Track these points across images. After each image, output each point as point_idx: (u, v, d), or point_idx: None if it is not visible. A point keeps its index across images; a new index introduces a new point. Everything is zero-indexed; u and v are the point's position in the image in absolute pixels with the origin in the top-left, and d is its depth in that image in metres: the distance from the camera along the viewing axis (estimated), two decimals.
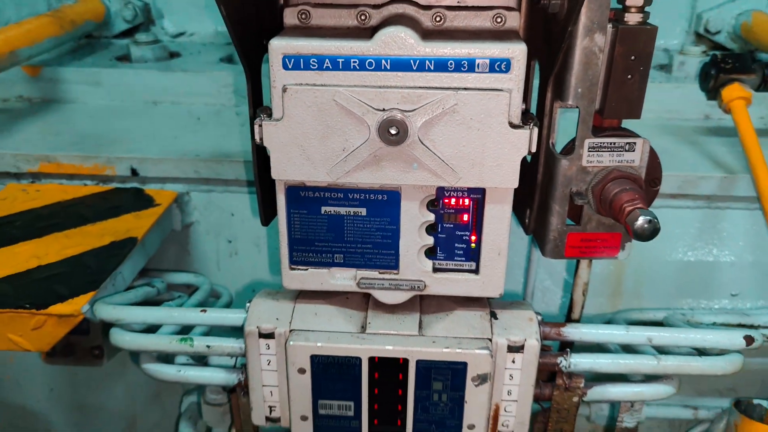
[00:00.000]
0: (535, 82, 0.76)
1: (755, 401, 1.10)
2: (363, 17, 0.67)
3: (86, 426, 1.36)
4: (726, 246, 1.16)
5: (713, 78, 1.11)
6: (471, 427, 0.73)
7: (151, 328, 0.88)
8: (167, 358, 0.87)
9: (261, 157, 0.71)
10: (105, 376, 1.31)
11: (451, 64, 0.60)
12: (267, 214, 0.76)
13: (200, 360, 0.87)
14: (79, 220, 1.05)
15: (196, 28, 1.69)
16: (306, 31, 0.66)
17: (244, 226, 1.20)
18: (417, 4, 0.67)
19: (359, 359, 0.70)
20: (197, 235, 1.21)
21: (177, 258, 1.21)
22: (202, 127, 1.31)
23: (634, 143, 0.66)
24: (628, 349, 0.86)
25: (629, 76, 0.65)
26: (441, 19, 0.66)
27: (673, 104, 1.36)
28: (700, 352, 0.82)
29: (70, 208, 1.09)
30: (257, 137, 0.64)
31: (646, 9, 0.64)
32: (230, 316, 0.79)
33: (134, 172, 1.16)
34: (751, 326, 1.02)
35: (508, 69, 0.60)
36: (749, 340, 0.76)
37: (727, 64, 1.10)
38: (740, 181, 1.10)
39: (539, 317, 0.74)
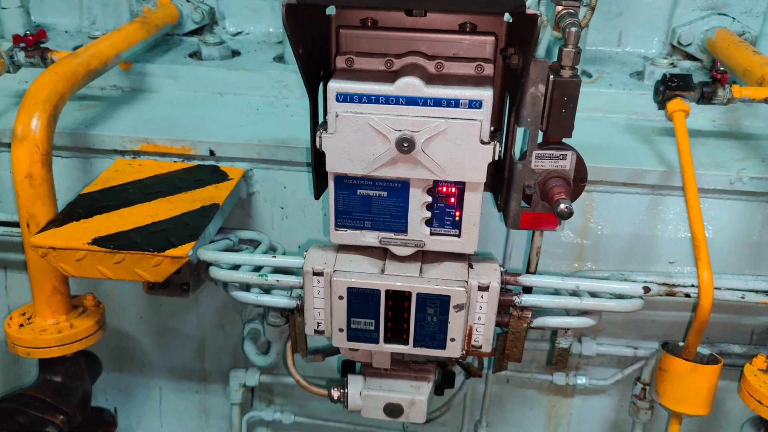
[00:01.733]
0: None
1: (680, 343, 1.45)
2: (389, 64, 1.01)
3: (166, 346, 1.75)
4: (666, 225, 1.48)
5: (661, 93, 1.42)
6: (453, 339, 1.09)
7: (233, 269, 1.25)
8: (246, 288, 1.24)
9: (316, 154, 1.06)
10: (182, 307, 1.69)
11: (444, 102, 0.95)
12: (318, 191, 1.12)
13: (267, 291, 1.24)
14: (175, 189, 1.41)
15: (252, 28, 2.03)
16: (351, 73, 1.00)
17: (293, 196, 1.55)
18: (425, 55, 1.01)
19: (379, 291, 1.06)
20: (257, 202, 1.57)
21: (242, 219, 1.57)
22: (260, 117, 1.66)
23: (566, 154, 1.00)
24: (574, 294, 1.20)
25: (563, 110, 0.98)
26: (441, 67, 1.00)
27: (640, 108, 1.67)
28: (619, 297, 1.16)
29: (166, 179, 1.45)
30: (317, 144, 0.99)
31: (576, 67, 0.97)
32: (292, 260, 1.16)
33: (212, 153, 1.52)
34: (672, 285, 1.35)
35: (480, 106, 0.94)
36: (646, 289, 1.11)
37: (672, 83, 1.41)
38: (677, 174, 1.42)
39: (502, 269, 1.09)
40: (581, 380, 1.54)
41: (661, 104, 1.44)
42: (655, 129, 1.62)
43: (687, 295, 1.35)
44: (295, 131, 1.54)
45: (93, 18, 2.05)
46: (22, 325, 1.39)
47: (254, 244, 1.47)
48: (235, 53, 1.90)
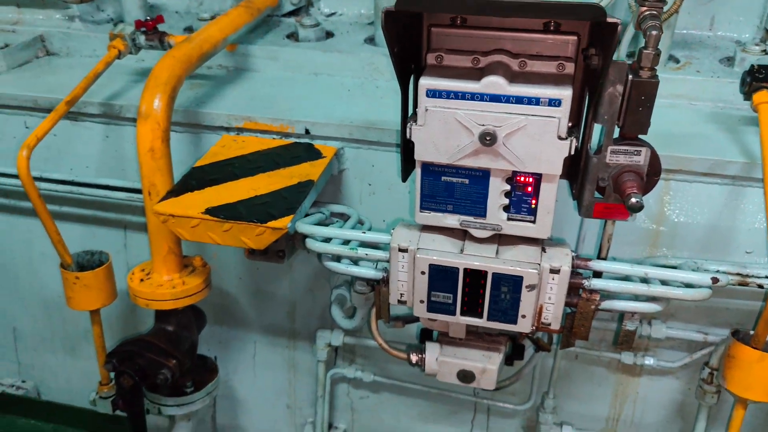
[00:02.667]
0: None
1: (750, 332, 1.48)
2: (475, 61, 1.09)
3: (261, 306, 1.93)
4: (745, 216, 1.50)
5: (748, 84, 1.42)
6: (524, 316, 1.18)
7: (325, 240, 1.39)
8: (337, 258, 1.38)
9: (405, 141, 1.16)
10: (276, 272, 1.86)
11: (525, 99, 1.02)
12: (405, 174, 1.23)
13: (355, 262, 1.37)
14: (274, 165, 1.56)
15: (344, 9, 2.14)
16: (440, 69, 1.09)
17: (380, 174, 1.67)
18: (509, 53, 1.09)
19: (458, 269, 1.16)
20: (347, 178, 1.69)
21: (333, 194, 1.70)
22: (351, 97, 1.77)
23: (640, 150, 1.06)
24: (644, 280, 1.26)
25: (640, 109, 1.04)
26: (524, 65, 1.08)
27: (727, 96, 1.66)
28: (688, 286, 1.21)
29: (266, 155, 1.60)
30: (407, 134, 1.09)
31: (655, 68, 1.02)
32: (379, 236, 1.28)
33: (307, 131, 1.65)
34: (746, 275, 1.38)
35: (559, 104, 1.02)
36: (715, 280, 1.16)
37: (759, 74, 1.41)
38: (759, 166, 1.43)
39: (574, 253, 1.17)
40: (649, 361, 1.59)
41: (747, 95, 1.45)
42: (741, 118, 1.62)
43: (760, 286, 1.38)
44: (384, 113, 1.65)
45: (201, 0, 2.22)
46: (142, 280, 1.59)
47: (344, 217, 1.61)
48: (329, 34, 2.02)
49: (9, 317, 2.17)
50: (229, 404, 2.07)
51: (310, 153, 1.61)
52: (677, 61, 1.76)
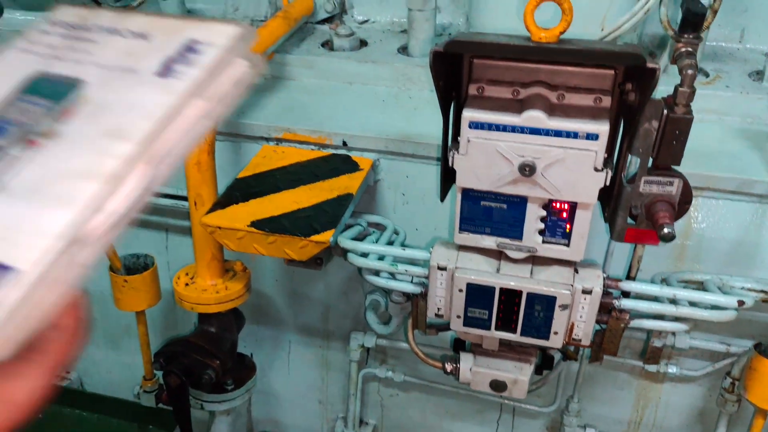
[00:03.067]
0: None
1: None
2: (515, 93, 1.14)
3: (297, 307, 2.01)
4: None
5: None
6: (556, 333, 1.24)
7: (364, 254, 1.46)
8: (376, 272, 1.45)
9: (445, 166, 1.22)
10: (311, 276, 1.93)
11: (564, 133, 1.08)
12: (443, 194, 1.30)
13: (393, 276, 1.44)
14: (314, 178, 1.62)
15: (378, 17, 2.18)
16: (481, 101, 1.15)
17: (414, 185, 1.73)
18: (548, 85, 1.14)
19: (494, 288, 1.22)
20: (382, 188, 1.76)
21: (368, 203, 1.76)
22: (386, 108, 1.83)
23: (673, 181, 1.11)
24: (672, 299, 1.32)
25: (674, 142, 1.09)
26: (562, 98, 1.13)
27: (757, 111, 1.69)
28: (715, 306, 1.27)
29: (306, 167, 1.67)
30: (450, 162, 1.15)
31: (689, 104, 1.07)
32: (418, 253, 1.35)
33: (344, 143, 1.71)
34: None
35: (596, 138, 1.07)
36: (740, 303, 1.21)
37: None
38: None
39: (605, 275, 1.23)
40: (672, 369, 1.65)
41: None
42: None
43: None
44: (418, 125, 1.70)
45: (236, 5, 2.27)
46: (187, 284, 1.68)
47: (380, 227, 1.67)
48: (363, 42, 2.06)
49: None
50: (264, 399, 2.16)
51: (348, 165, 1.67)
52: (707, 74, 1.79)
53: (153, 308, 2.00)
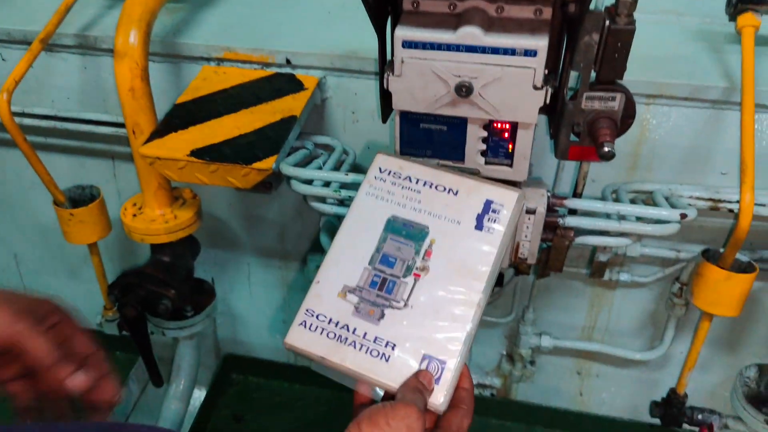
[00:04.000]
0: None
1: (721, 250, 1.55)
2: (452, 7, 1.07)
3: (253, 229, 1.99)
4: (722, 138, 1.52)
5: (733, 6, 1.40)
6: None
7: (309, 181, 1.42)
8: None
9: (383, 88, 1.17)
10: (265, 198, 1.90)
11: (501, 50, 1.02)
12: (384, 116, 1.25)
13: (340, 202, 1.41)
14: (257, 100, 1.55)
15: None
16: (416, 17, 1.08)
17: (364, 102, 1.66)
18: None
19: None
20: (330, 107, 1.69)
21: (316, 123, 1.70)
22: (332, 21, 1.73)
23: (615, 96, 1.07)
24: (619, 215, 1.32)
25: (616, 55, 1.04)
26: (501, 10, 1.06)
27: (715, 11, 1.61)
28: (659, 220, 1.27)
29: (248, 89, 1.59)
30: (385, 84, 1.10)
31: (632, 14, 1.01)
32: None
33: (288, 61, 1.63)
34: (718, 200, 1.43)
35: (535, 55, 1.01)
36: (683, 216, 1.21)
37: None
38: (738, 91, 1.43)
39: (549, 193, 1.21)
40: (624, 277, 1.68)
41: (732, 17, 1.43)
42: (727, 35, 1.60)
43: (730, 211, 1.43)
44: (366, 39, 1.59)
45: None
46: (135, 215, 1.64)
47: (328, 149, 1.63)
48: None
49: (9, 245, 2.24)
50: (228, 320, 2.19)
51: (292, 85, 1.60)
52: None
53: (109, 238, 1.97)
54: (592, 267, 1.34)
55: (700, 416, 1.67)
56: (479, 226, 0.89)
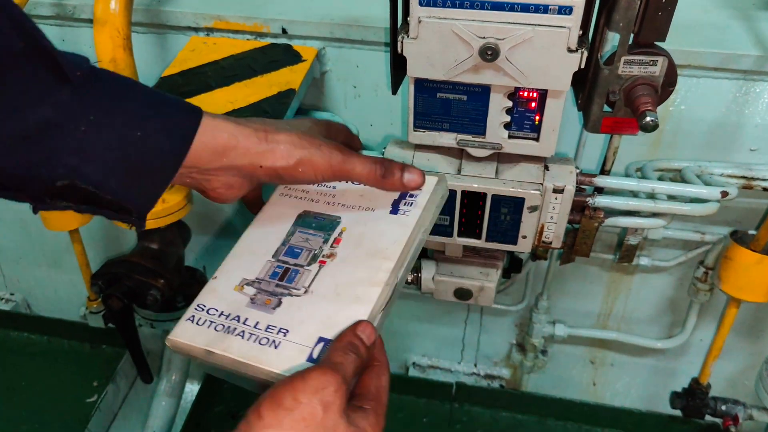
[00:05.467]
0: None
1: (750, 232, 1.45)
2: None
3: (246, 214, 1.85)
4: (754, 111, 1.42)
5: None
6: (524, 237, 1.13)
7: None
8: None
9: (394, 53, 1.05)
10: None
11: (531, 7, 0.90)
12: (395, 86, 1.13)
13: None
14: (251, 72, 1.42)
15: None
16: None
17: (366, 75, 1.54)
18: None
19: (455, 191, 1.09)
20: (330, 81, 1.57)
21: (315, 97, 1.58)
22: None
23: (657, 60, 0.96)
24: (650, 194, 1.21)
25: (659, 13, 0.92)
26: None
27: None
28: (695, 199, 1.16)
29: (241, 60, 1.46)
30: (399, 49, 0.98)
31: None
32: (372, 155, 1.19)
33: (284, 31, 1.50)
34: (751, 178, 1.33)
35: (570, 12, 0.90)
36: (724, 194, 1.10)
37: None
38: None
39: (578, 170, 1.10)
40: (644, 261, 1.58)
41: None
42: (757, 1, 1.49)
43: (765, 189, 1.33)
44: (367, 6, 1.49)
45: None
46: None
47: None
48: None
49: None
50: None
51: (289, 56, 1.47)
52: None
53: (92, 224, 1.84)
54: (621, 251, 1.24)
55: (723, 407, 1.58)
56: (394, 211, 0.86)
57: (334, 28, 1.46)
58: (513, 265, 1.35)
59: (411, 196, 0.88)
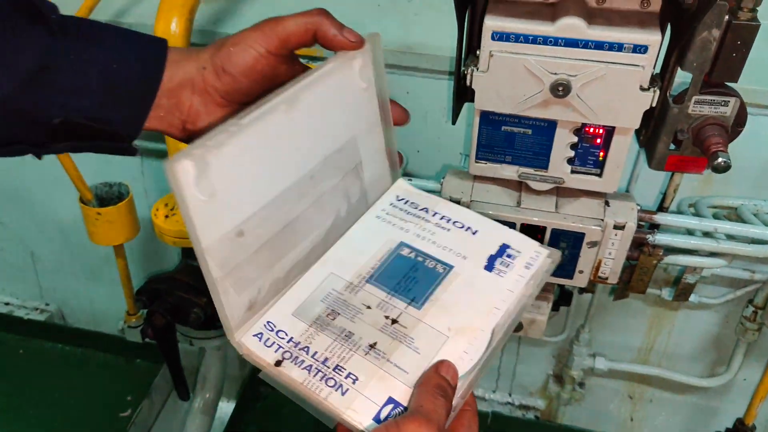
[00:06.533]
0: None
1: None
2: None
3: None
4: None
5: None
6: (581, 271, 1.12)
7: None
8: None
9: (458, 83, 1.05)
10: None
11: (606, 45, 0.90)
12: (455, 116, 1.13)
13: None
14: None
15: None
16: (505, 6, 0.96)
17: (415, 102, 1.54)
18: None
19: (515, 224, 1.09)
20: None
21: None
22: (383, 13, 1.61)
23: (729, 101, 0.95)
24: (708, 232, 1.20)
25: (734, 54, 0.92)
26: (602, 1, 0.94)
27: None
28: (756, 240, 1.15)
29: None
30: (468, 81, 0.98)
31: (756, 9, 0.89)
32: (426, 184, 1.19)
33: None
34: None
35: (645, 51, 0.89)
36: None
37: None
38: None
39: (638, 207, 1.09)
40: (691, 298, 1.55)
41: None
42: None
43: None
44: (420, 33, 1.50)
45: None
46: (167, 216, 1.52)
47: None
48: None
49: (26, 242, 2.13)
50: None
51: None
52: None
53: (133, 240, 1.86)
54: (678, 289, 1.22)
55: None
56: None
57: (388, 54, 1.47)
58: (563, 298, 1.34)
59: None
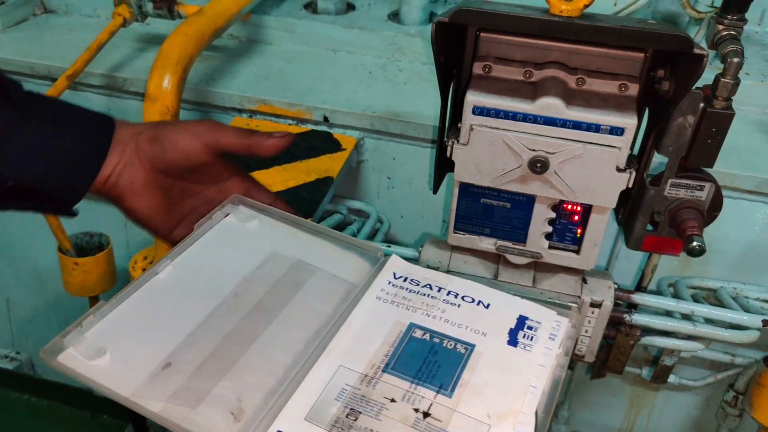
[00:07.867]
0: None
1: None
2: (528, 74, 0.98)
3: None
4: None
5: None
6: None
7: None
8: None
9: (440, 154, 1.06)
10: None
11: (583, 125, 0.92)
12: (437, 186, 1.13)
13: None
14: (291, 157, 1.45)
15: None
16: (487, 82, 0.98)
17: (401, 168, 1.56)
18: (566, 67, 0.97)
19: None
20: (365, 170, 1.59)
21: (350, 186, 1.60)
22: (373, 81, 1.65)
23: (704, 186, 0.97)
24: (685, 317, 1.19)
25: (709, 141, 0.94)
26: (582, 82, 0.96)
27: None
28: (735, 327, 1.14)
29: None
30: (448, 153, 0.99)
31: (731, 98, 0.91)
32: (404, 251, 1.19)
33: (326, 119, 1.54)
34: None
35: (621, 133, 0.91)
36: (765, 323, 1.08)
37: None
38: None
39: (616, 285, 1.09)
40: (671, 379, 1.53)
41: None
42: None
43: None
44: (408, 102, 1.53)
45: None
46: (145, 269, 1.50)
47: (362, 215, 1.51)
48: (350, 6, 1.88)
49: (2, 288, 2.09)
50: None
51: (328, 144, 1.50)
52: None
53: (111, 290, 1.83)
54: (656, 370, 1.21)
55: None
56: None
57: (375, 120, 1.50)
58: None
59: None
